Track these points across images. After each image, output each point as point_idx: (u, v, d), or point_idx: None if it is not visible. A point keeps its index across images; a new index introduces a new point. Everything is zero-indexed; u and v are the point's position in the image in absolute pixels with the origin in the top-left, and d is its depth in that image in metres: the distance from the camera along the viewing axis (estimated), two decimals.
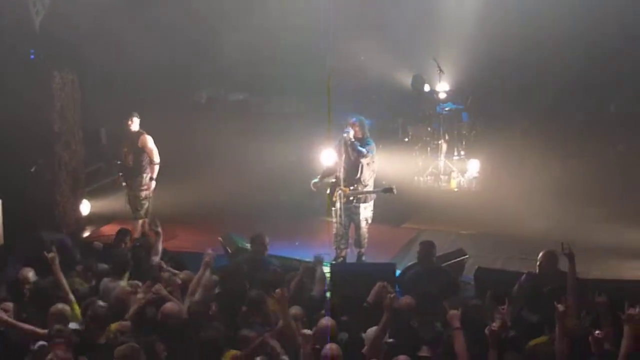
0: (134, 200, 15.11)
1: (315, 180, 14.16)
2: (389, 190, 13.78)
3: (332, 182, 13.89)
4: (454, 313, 8.70)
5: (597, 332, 8.18)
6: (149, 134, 15.01)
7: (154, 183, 15.07)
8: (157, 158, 15.05)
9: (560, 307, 8.41)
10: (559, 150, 17.23)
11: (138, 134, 14.96)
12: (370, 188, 13.86)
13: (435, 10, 19.36)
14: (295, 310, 9.58)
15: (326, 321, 9.00)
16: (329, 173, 14.15)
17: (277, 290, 9.37)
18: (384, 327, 9.02)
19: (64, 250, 11.79)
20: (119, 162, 15.20)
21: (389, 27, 19.85)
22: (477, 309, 9.29)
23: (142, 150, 14.93)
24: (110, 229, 15.66)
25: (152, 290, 9.76)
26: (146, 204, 15.08)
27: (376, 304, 9.87)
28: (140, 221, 15.00)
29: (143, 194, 15.04)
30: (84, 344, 8.91)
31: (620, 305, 8.53)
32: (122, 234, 12.91)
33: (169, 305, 9.42)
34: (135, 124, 14.96)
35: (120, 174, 15.24)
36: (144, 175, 15.01)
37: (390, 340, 9.14)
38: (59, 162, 15.62)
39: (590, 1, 17.70)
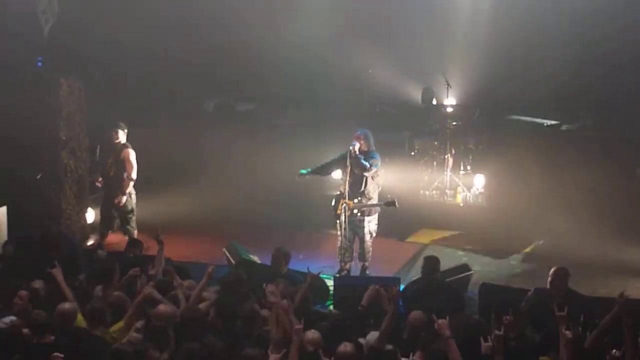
0: (122, 215, 15.12)
1: (303, 171, 14.14)
2: (391, 203, 13.76)
3: (337, 195, 13.88)
4: (443, 322, 8.63)
5: (614, 351, 8.07)
6: (143, 145, 15.02)
7: (124, 198, 14.97)
8: (134, 174, 14.98)
9: (569, 334, 8.36)
10: (566, 166, 17.14)
11: (122, 147, 14.94)
12: (374, 201, 13.88)
13: (443, 24, 19.28)
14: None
15: (311, 334, 8.94)
16: (321, 171, 14.13)
17: (283, 302, 9.38)
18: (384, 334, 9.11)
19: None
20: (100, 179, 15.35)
21: (397, 40, 19.79)
22: (478, 325, 9.26)
23: (123, 163, 14.90)
24: (114, 238, 15.63)
25: (144, 292, 9.73)
26: (133, 217, 15.10)
27: (370, 307, 10.12)
28: (135, 232, 14.99)
29: (129, 207, 15.05)
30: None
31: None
32: (133, 244, 12.90)
33: (162, 307, 9.39)
34: (121, 136, 14.95)
35: (100, 178, 15.28)
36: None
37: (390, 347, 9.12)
38: (64, 170, 15.61)
39: (599, 13, 17.62)
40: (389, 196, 14.37)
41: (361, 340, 9.31)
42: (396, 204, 13.74)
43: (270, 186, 18.22)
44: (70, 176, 15.74)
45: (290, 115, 20.87)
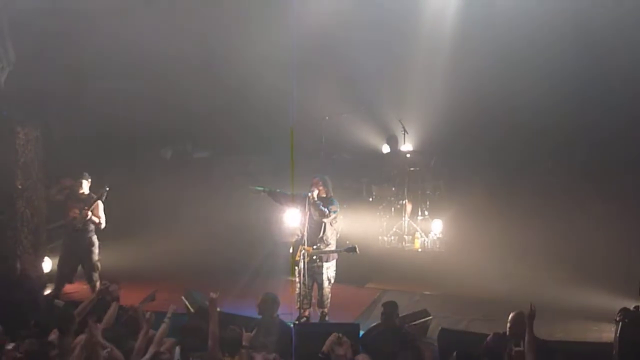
0: (89, 264, 15.03)
1: (259, 187, 14.14)
2: (352, 249, 13.78)
3: (295, 241, 13.88)
4: None
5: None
6: (102, 193, 14.97)
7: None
8: (103, 224, 15.05)
9: None
10: (522, 211, 17.32)
11: (90, 197, 14.90)
12: (333, 247, 13.87)
13: (399, 71, 19.48)
14: None
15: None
16: (275, 196, 14.12)
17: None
18: None
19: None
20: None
21: (353, 87, 19.92)
22: None
23: (92, 213, 14.88)
24: (72, 288, 15.49)
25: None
26: (99, 267, 15.06)
27: (330, 354, 10.15)
28: (98, 283, 14.90)
29: (96, 256, 15.01)
30: None
31: None
32: (105, 286, 12.77)
33: None
34: (85, 186, 14.93)
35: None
36: (93, 237, 14.98)
37: None
38: (21, 219, 15.47)
39: (551, 62, 17.91)
40: (347, 242, 14.41)
41: None
42: (357, 250, 13.76)
43: (227, 234, 18.20)
44: (27, 225, 15.59)
45: (247, 163, 20.87)
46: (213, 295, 10.81)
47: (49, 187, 15.66)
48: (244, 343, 10.18)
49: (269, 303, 12.08)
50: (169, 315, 10.75)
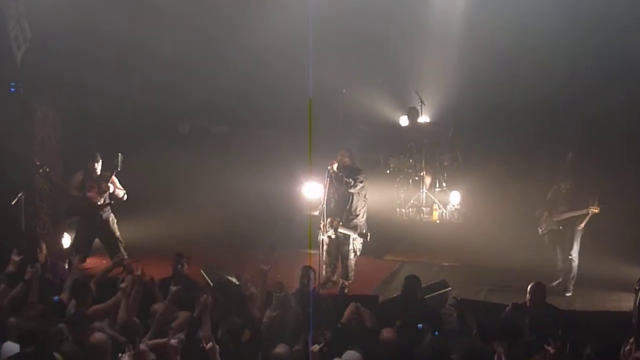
0: (112, 241, 15.05)
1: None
2: (363, 236, 13.84)
3: (319, 214, 13.91)
4: None
5: None
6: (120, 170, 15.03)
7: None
8: (124, 196, 15.11)
9: (551, 349, 8.39)
10: (540, 182, 17.24)
11: (105, 174, 14.90)
12: (362, 217, 14.00)
13: (416, 43, 19.42)
14: (279, 349, 9.49)
15: None
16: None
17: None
18: None
19: None
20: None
21: (370, 60, 19.90)
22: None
23: (108, 190, 14.89)
24: (91, 262, 15.55)
25: None
26: (122, 241, 15.11)
27: (349, 324, 10.32)
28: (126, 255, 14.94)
29: (117, 232, 15.05)
30: None
31: (605, 336, 8.58)
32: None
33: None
34: (99, 166, 14.90)
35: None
36: (109, 214, 15.02)
37: None
38: (39, 194, 15.55)
39: (569, 33, 17.79)
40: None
41: None
42: (368, 237, 13.85)
43: (245, 207, 18.19)
44: (46, 201, 15.68)
45: (265, 137, 20.87)
46: (264, 267, 11.01)
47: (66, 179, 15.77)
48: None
49: (307, 275, 12.06)
50: None
